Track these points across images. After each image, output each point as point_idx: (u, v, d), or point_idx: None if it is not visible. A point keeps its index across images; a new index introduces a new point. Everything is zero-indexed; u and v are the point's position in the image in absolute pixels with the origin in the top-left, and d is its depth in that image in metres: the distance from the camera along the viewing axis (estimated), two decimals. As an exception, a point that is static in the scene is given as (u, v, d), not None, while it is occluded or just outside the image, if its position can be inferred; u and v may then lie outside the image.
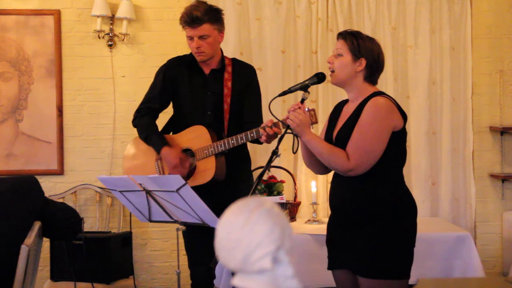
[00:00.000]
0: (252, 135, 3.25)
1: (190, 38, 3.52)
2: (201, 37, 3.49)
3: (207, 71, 3.61)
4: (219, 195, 3.35)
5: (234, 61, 3.68)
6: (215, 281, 3.73)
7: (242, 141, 3.32)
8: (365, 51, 2.77)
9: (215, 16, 3.52)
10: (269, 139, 3.17)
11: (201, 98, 3.58)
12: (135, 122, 3.74)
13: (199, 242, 3.55)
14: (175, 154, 3.52)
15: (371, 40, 2.83)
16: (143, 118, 3.70)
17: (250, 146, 3.83)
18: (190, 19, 3.47)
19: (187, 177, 3.53)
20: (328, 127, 2.94)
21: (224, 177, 3.48)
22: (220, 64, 3.61)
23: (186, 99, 3.64)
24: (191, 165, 3.54)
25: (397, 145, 2.75)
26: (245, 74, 3.63)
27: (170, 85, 3.68)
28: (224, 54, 3.72)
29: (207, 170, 3.45)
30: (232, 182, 3.51)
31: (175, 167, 3.50)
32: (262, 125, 3.15)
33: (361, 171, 2.68)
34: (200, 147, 3.49)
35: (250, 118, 3.55)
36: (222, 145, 3.39)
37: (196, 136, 3.53)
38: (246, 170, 3.73)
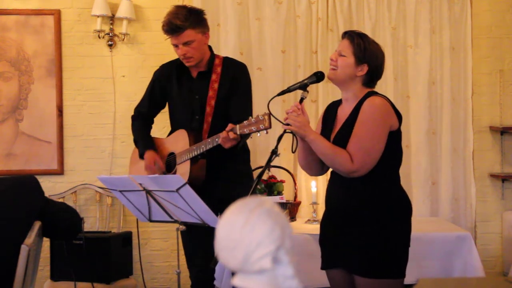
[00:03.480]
0: (217, 139, 3.19)
1: (175, 45, 3.45)
2: (185, 44, 3.41)
3: (194, 74, 3.55)
4: (214, 196, 3.34)
5: (225, 60, 3.57)
6: (216, 282, 3.72)
7: (209, 145, 3.26)
8: (370, 57, 2.74)
9: (196, 20, 3.43)
10: (225, 142, 3.14)
11: (189, 102, 3.54)
12: (131, 127, 3.80)
13: (193, 243, 3.55)
14: (150, 157, 3.56)
15: (377, 46, 2.79)
16: (134, 123, 3.76)
17: (251, 146, 3.82)
18: (171, 29, 3.40)
19: None
20: (323, 129, 2.91)
21: (201, 182, 3.40)
22: (207, 66, 3.52)
23: (176, 104, 3.62)
24: (164, 171, 3.56)
25: (394, 144, 2.74)
26: (233, 72, 3.51)
27: (159, 91, 3.68)
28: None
29: (182, 175, 3.39)
30: (229, 183, 3.49)
31: (146, 168, 3.55)
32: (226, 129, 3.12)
33: (364, 172, 2.67)
34: (180, 151, 3.49)
35: (237, 116, 3.32)
36: (195, 150, 3.35)
37: (178, 140, 3.52)
38: (243, 172, 3.62)
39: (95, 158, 4.75)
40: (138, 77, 4.76)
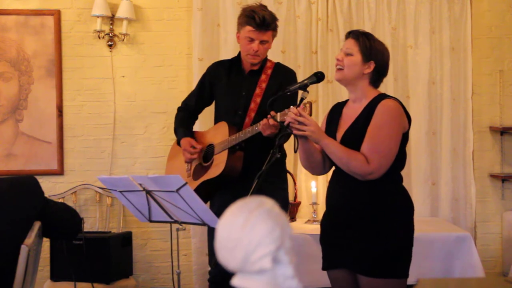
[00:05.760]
0: (257, 128, 3.26)
1: (251, 39, 3.51)
2: (262, 42, 3.51)
3: (246, 71, 3.65)
4: (246, 193, 3.33)
5: (277, 64, 3.69)
6: None
7: (249, 134, 3.32)
8: (376, 54, 2.76)
9: (276, 25, 3.58)
10: (265, 129, 3.19)
11: (236, 98, 3.62)
12: (175, 117, 3.87)
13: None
14: (187, 142, 3.64)
15: (382, 44, 2.82)
16: (178, 114, 3.85)
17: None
18: (261, 22, 3.47)
19: (204, 170, 3.57)
20: (327, 129, 2.91)
21: (238, 173, 3.46)
22: (260, 66, 3.62)
23: (222, 98, 3.70)
24: (201, 150, 3.63)
25: (402, 147, 2.76)
26: (282, 76, 3.61)
27: (208, 87, 3.76)
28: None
29: (219, 164, 3.48)
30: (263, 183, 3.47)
31: (184, 152, 3.64)
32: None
33: (380, 174, 2.68)
34: (219, 142, 3.54)
35: None
36: (234, 139, 3.42)
37: (218, 132, 3.59)
38: (278, 175, 3.61)
39: (95, 158, 4.75)
40: (138, 78, 4.76)
